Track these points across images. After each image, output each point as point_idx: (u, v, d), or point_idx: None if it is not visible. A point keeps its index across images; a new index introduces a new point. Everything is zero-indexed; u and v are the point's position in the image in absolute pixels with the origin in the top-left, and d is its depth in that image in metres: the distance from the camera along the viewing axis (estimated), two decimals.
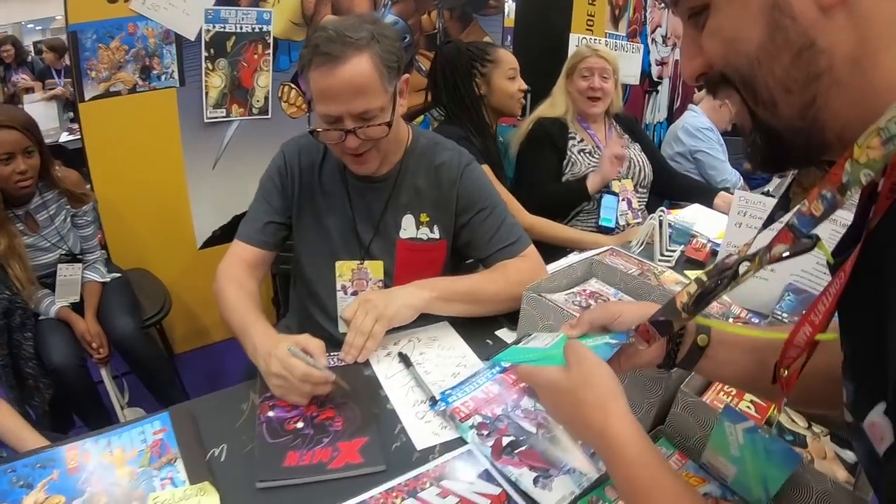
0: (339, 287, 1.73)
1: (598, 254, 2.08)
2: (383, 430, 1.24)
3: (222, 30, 3.00)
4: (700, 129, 4.01)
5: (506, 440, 1.18)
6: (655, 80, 5.72)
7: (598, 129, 2.85)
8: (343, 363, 1.44)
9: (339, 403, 1.29)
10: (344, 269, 1.72)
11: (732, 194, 3.09)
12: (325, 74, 1.41)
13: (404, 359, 1.45)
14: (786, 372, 0.75)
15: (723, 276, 0.76)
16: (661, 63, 5.73)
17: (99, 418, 2.57)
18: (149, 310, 2.83)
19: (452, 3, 3.84)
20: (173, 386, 2.80)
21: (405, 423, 1.26)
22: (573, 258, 2.05)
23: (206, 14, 2.93)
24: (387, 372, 1.43)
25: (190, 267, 3.25)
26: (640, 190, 2.85)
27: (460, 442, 1.20)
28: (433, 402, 1.30)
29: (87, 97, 2.79)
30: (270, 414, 1.26)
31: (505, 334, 1.59)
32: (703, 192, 3.00)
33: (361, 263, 1.72)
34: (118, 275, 2.79)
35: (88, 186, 2.85)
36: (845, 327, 0.67)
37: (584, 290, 1.54)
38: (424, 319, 1.58)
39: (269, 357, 1.29)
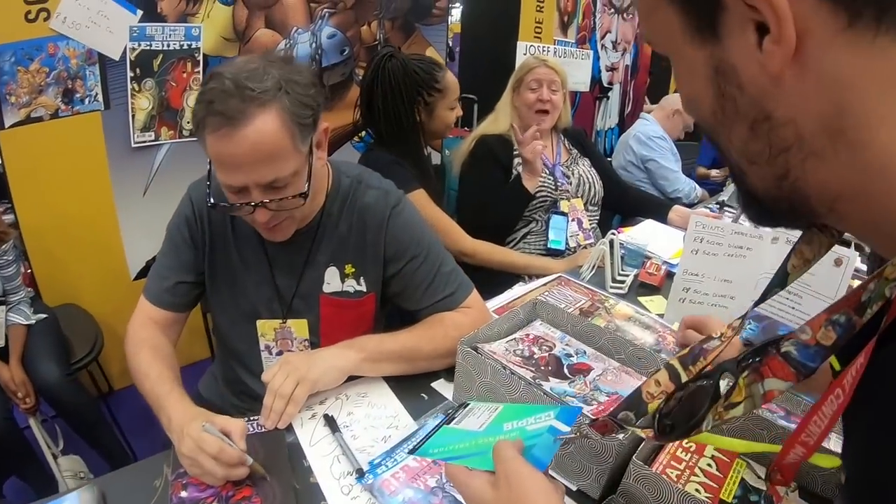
0: (262, 347, 1.59)
1: (546, 283, 1.99)
2: None
3: (148, 48, 2.84)
4: (652, 138, 3.96)
5: None
6: (606, 85, 5.69)
7: (546, 144, 2.71)
8: (263, 429, 1.29)
9: (257, 479, 1.15)
10: (266, 329, 1.57)
11: (686, 205, 3.05)
12: (223, 140, 1.18)
13: (330, 422, 1.31)
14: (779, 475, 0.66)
15: (700, 381, 0.66)
16: (612, 69, 5.70)
17: (33, 471, 2.40)
18: (78, 351, 2.66)
19: (394, 13, 3.71)
20: (104, 430, 2.63)
21: (329, 499, 1.13)
22: (518, 290, 1.95)
23: (130, 31, 2.77)
24: (311, 438, 1.29)
25: (124, 299, 3.03)
26: (590, 208, 2.74)
27: None
28: (360, 474, 1.16)
29: (6, 124, 2.60)
30: (183, 494, 1.13)
31: (442, 386, 1.47)
32: (657, 207, 2.90)
33: (284, 322, 1.57)
34: (44, 315, 2.61)
35: (11, 217, 2.69)
36: (848, 452, 0.56)
37: (528, 336, 1.42)
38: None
39: (182, 436, 1.15)
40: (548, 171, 2.60)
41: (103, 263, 3.06)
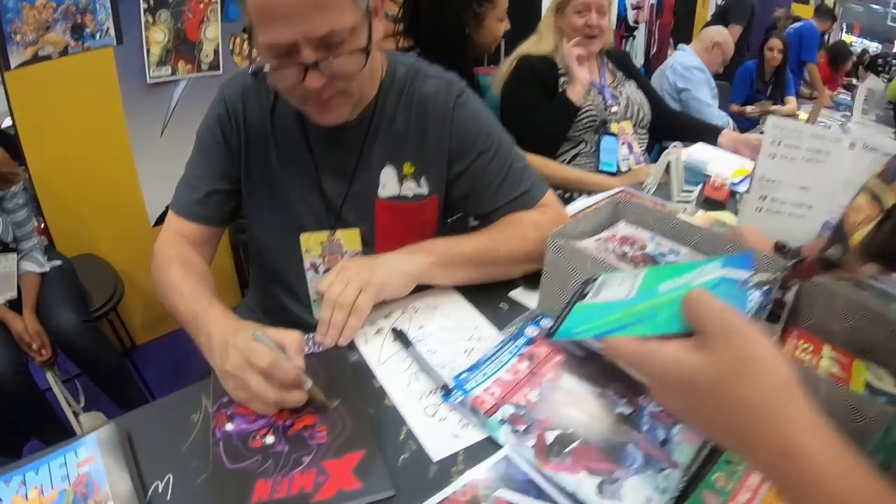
0: (307, 265, 1.40)
1: (610, 196, 1.82)
2: (384, 438, 0.92)
3: None
4: (689, 68, 3.81)
5: (550, 436, 0.89)
6: (632, 24, 5.54)
7: (591, 67, 2.54)
8: (321, 347, 1.11)
9: (318, 406, 0.96)
10: (311, 244, 1.38)
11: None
12: None
13: (400, 336, 1.13)
14: None
15: None
16: (637, 7, 5.60)
17: (53, 431, 2.27)
18: (97, 300, 2.52)
19: None
20: (130, 384, 2.50)
21: (412, 424, 0.95)
22: (581, 203, 1.78)
23: None
24: (379, 355, 1.11)
25: (144, 247, 2.85)
26: (639, 131, 2.57)
27: (490, 444, 0.90)
28: (446, 391, 0.99)
29: (12, 65, 2.45)
30: (229, 427, 0.93)
31: (521, 295, 1.29)
32: (705, 130, 2.71)
33: (332, 234, 1.37)
34: (59, 262, 2.47)
35: (21, 167, 2.53)
36: None
37: (615, 236, 1.25)
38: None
39: (227, 349, 0.95)
40: (596, 90, 2.43)
41: (120, 210, 2.93)
